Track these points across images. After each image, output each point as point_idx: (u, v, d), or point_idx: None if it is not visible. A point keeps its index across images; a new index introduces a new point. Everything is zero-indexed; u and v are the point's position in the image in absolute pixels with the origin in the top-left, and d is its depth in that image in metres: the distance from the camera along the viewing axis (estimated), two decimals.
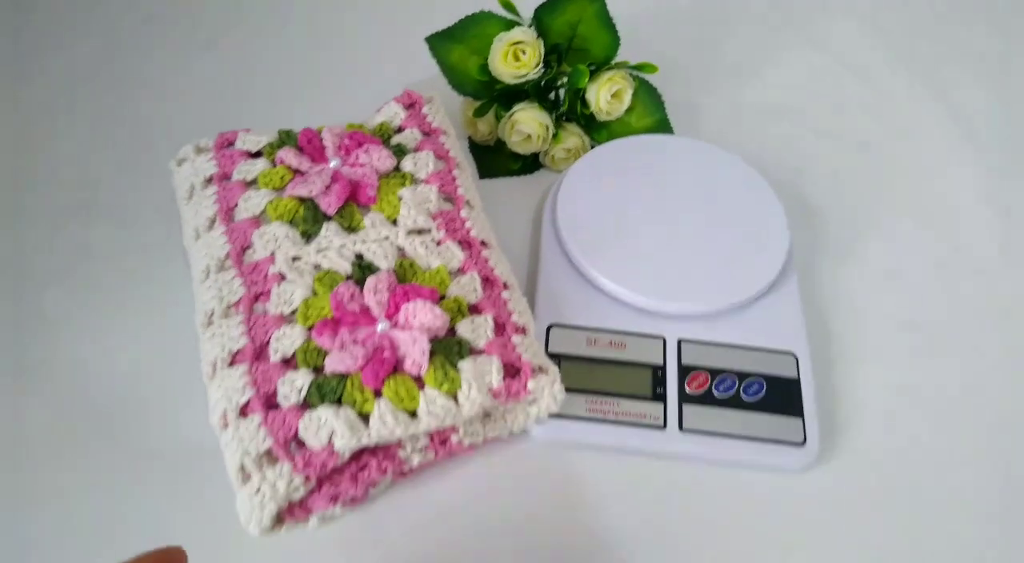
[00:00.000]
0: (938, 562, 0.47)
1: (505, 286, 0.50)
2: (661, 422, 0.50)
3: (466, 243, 0.52)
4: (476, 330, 0.47)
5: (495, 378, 0.45)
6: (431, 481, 0.49)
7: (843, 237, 0.63)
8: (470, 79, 0.60)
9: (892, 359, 0.56)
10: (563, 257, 0.56)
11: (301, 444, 0.43)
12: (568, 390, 0.49)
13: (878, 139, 0.70)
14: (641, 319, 0.53)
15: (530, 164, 0.64)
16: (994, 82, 0.76)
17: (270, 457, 0.43)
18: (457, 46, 0.61)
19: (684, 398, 0.50)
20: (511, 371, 0.46)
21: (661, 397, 0.50)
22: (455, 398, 0.44)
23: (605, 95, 0.59)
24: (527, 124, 0.60)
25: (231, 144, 0.55)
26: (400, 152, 0.55)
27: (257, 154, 0.55)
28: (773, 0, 0.82)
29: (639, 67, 0.61)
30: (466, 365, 0.45)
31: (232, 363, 0.46)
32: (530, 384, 0.45)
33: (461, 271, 0.50)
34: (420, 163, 0.54)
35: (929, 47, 0.78)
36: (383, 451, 0.45)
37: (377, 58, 0.72)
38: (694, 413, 0.50)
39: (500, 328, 0.48)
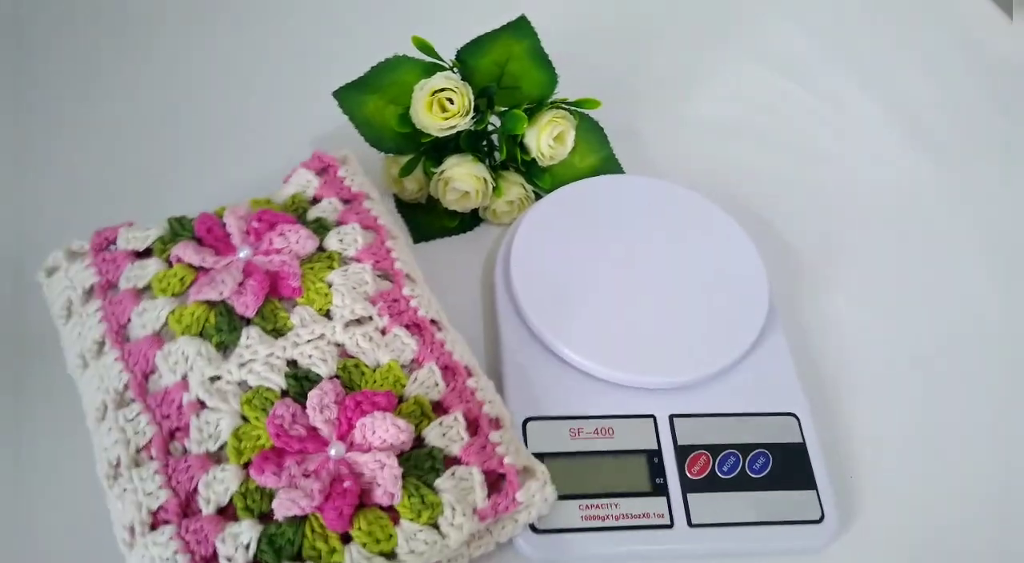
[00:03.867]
0: None
1: (468, 373, 0.43)
2: (667, 520, 0.43)
3: (415, 327, 0.44)
4: (447, 434, 0.40)
5: (479, 496, 0.38)
6: None
7: (819, 266, 0.58)
8: (390, 133, 0.53)
9: (898, 399, 0.52)
10: (526, 333, 0.49)
11: None
12: (558, 497, 0.42)
13: (833, 149, 0.67)
14: (625, 398, 0.47)
15: (469, 220, 0.57)
16: (941, 77, 0.74)
17: None
18: (371, 97, 0.53)
19: (687, 486, 0.44)
20: (494, 479, 0.39)
21: (662, 489, 0.44)
22: (437, 527, 0.37)
23: (547, 139, 0.53)
24: (463, 180, 0.52)
25: (111, 243, 0.45)
26: (321, 228, 0.46)
27: (146, 253, 0.45)
28: (705, 9, 0.78)
29: (579, 103, 0.55)
30: (445, 484, 0.38)
31: (154, 525, 0.37)
32: (520, 495, 0.39)
33: (416, 363, 0.43)
34: (347, 238, 0.46)
35: (870, 45, 0.76)
36: None
37: (277, 119, 0.62)
38: (701, 503, 0.44)
39: (473, 426, 0.41)
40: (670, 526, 0.43)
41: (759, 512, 0.44)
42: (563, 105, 0.55)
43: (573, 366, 0.47)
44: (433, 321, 0.45)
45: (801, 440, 0.47)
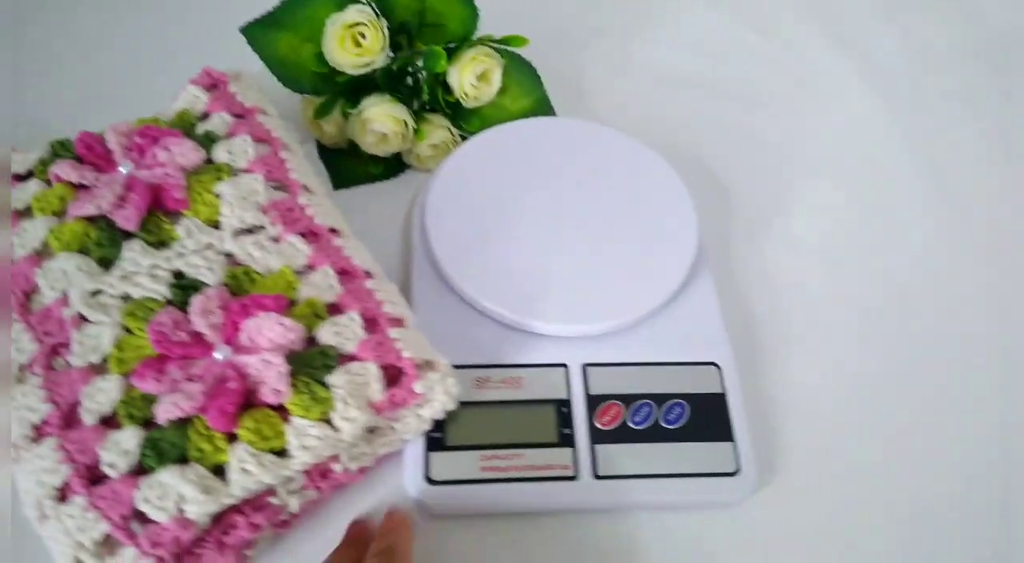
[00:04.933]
0: None
1: (368, 275, 0.42)
2: (572, 471, 0.42)
3: (311, 234, 0.43)
4: (341, 332, 0.39)
5: (375, 388, 0.37)
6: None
7: (755, 214, 0.56)
8: (305, 73, 0.51)
9: (827, 352, 0.50)
10: (437, 279, 0.46)
11: (145, 520, 0.34)
12: (458, 448, 0.42)
13: (778, 96, 0.64)
14: (536, 345, 0.45)
15: (393, 166, 0.55)
16: (903, 25, 0.70)
17: (109, 544, 0.34)
18: (284, 35, 0.50)
19: (596, 437, 0.43)
20: (393, 374, 0.38)
21: (569, 440, 0.42)
22: (330, 422, 0.36)
23: (469, 78, 0.50)
24: (381, 122, 0.50)
25: None
26: (208, 141, 0.45)
27: (27, 175, 0.44)
28: None
29: (506, 41, 0.52)
30: (337, 379, 0.37)
31: (37, 438, 0.36)
32: (417, 386, 0.38)
33: (310, 267, 0.42)
34: (236, 150, 0.45)
35: None
36: (249, 504, 0.36)
37: (183, 61, 0.55)
38: (608, 454, 0.42)
39: (371, 324, 0.40)
40: (574, 477, 0.42)
41: (671, 464, 0.42)
42: (489, 43, 0.52)
43: (484, 313, 0.45)
44: (332, 230, 0.44)
45: (721, 390, 0.45)
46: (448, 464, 0.41)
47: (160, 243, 0.41)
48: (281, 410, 0.36)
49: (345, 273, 0.42)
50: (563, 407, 0.43)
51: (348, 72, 0.49)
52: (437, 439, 0.42)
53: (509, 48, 0.53)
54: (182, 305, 0.39)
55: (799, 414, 0.47)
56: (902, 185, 0.59)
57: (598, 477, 0.42)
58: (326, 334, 0.39)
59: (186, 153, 0.43)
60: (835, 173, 0.59)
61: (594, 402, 0.44)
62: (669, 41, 0.66)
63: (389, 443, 0.40)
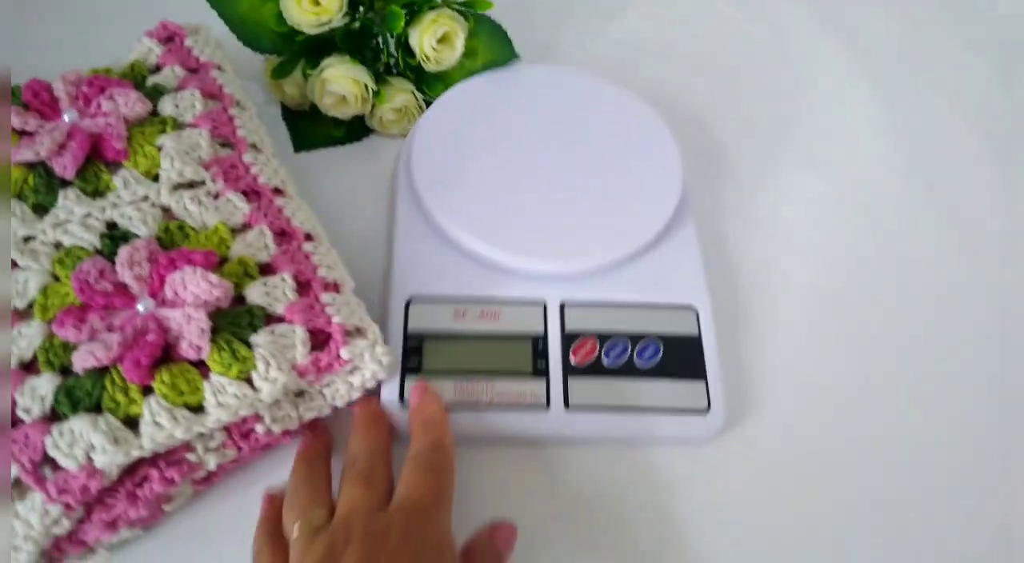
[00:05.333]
0: (856, 527, 0.43)
1: (308, 238, 0.42)
2: (543, 401, 0.42)
3: (253, 193, 0.43)
4: (271, 293, 0.39)
5: (299, 351, 0.37)
6: (240, 488, 0.40)
7: (744, 162, 0.56)
8: (266, 32, 0.50)
9: (806, 304, 0.51)
10: (422, 220, 0.47)
11: (57, 466, 0.34)
12: (434, 373, 0.42)
13: (768, 72, 0.63)
14: (516, 283, 0.45)
15: (356, 129, 0.54)
16: (891, 7, 0.69)
17: (19, 488, 0.34)
18: None
19: (569, 371, 0.43)
20: (320, 339, 0.38)
21: (542, 372, 0.43)
22: (250, 382, 0.36)
23: (430, 40, 0.50)
24: (339, 83, 0.50)
25: None
26: (156, 93, 0.45)
27: None
28: None
29: (470, 4, 0.51)
30: (261, 339, 0.37)
31: None
32: (344, 352, 0.38)
33: (247, 226, 0.41)
34: (183, 103, 0.44)
35: None
36: (165, 458, 0.36)
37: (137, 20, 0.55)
38: (581, 387, 0.43)
39: (304, 288, 0.40)
40: (546, 407, 0.42)
41: (641, 399, 0.43)
42: (454, 5, 0.51)
43: (465, 250, 0.45)
44: (277, 189, 0.43)
45: (697, 333, 0.45)
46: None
47: (97, 193, 0.41)
48: (202, 366, 0.36)
49: (283, 234, 0.42)
50: (539, 342, 0.44)
51: (306, 31, 0.49)
52: (413, 366, 0.42)
53: (473, 11, 0.52)
54: (111, 256, 0.38)
55: (771, 360, 0.48)
56: (888, 148, 0.59)
57: (569, 408, 0.42)
58: (255, 294, 0.38)
59: (131, 104, 0.43)
60: (821, 154, 0.59)
61: (569, 339, 0.44)
62: (650, 11, 0.65)
63: (317, 408, 0.40)
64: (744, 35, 0.65)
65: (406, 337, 0.43)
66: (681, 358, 0.44)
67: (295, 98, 0.53)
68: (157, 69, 0.47)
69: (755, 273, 0.51)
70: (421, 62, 0.51)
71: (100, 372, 0.35)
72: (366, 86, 0.50)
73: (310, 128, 0.54)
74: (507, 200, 0.47)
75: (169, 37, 0.48)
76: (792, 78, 0.63)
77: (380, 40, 0.52)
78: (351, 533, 0.34)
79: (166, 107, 0.44)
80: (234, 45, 0.50)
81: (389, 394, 0.41)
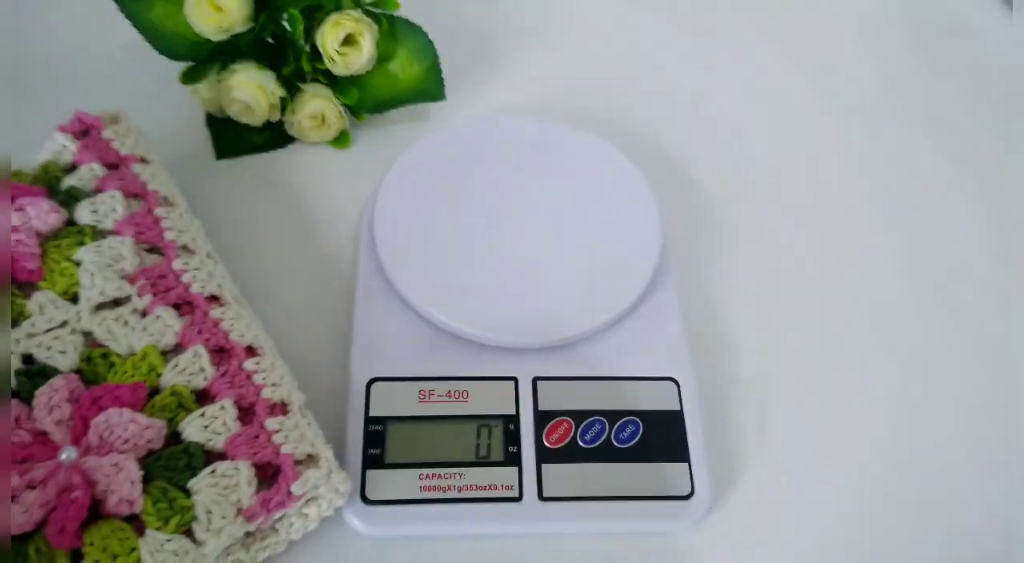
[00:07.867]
0: None
1: (250, 352, 0.38)
2: (516, 492, 0.39)
3: (186, 304, 0.39)
4: (210, 426, 0.35)
5: (245, 492, 0.33)
6: None
7: (725, 223, 0.53)
8: (182, 40, 0.47)
9: (797, 371, 0.48)
10: (383, 285, 0.44)
11: None
12: (397, 466, 0.39)
13: (736, 110, 0.60)
14: (487, 358, 0.42)
15: (277, 136, 0.52)
16: (848, 29, 0.67)
17: None
18: (158, 0, 0.47)
19: (543, 456, 0.40)
20: (269, 472, 0.35)
21: (514, 458, 0.40)
22: (190, 534, 0.32)
23: (333, 43, 0.47)
24: (243, 90, 0.48)
25: None
26: (71, 199, 0.40)
27: None
28: None
29: (377, 4, 0.49)
30: (201, 483, 0.33)
31: None
32: (295, 487, 0.34)
33: (180, 347, 0.37)
34: (103, 208, 0.40)
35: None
36: None
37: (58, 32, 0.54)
38: (555, 474, 0.40)
39: (247, 413, 0.36)
40: (518, 499, 0.39)
41: (620, 485, 0.40)
42: (362, 6, 0.49)
43: (431, 322, 0.43)
44: (213, 297, 0.40)
45: (679, 408, 0.42)
46: (385, 483, 0.39)
47: (13, 323, 0.37)
48: (136, 520, 0.32)
49: (221, 351, 0.38)
50: (510, 423, 0.41)
51: (211, 38, 0.47)
52: (375, 456, 0.39)
53: (382, 11, 0.50)
54: (28, 397, 0.34)
55: (759, 438, 0.45)
56: (859, 206, 0.56)
57: (543, 499, 0.39)
58: (192, 429, 0.35)
59: (42, 215, 0.39)
60: (793, 189, 0.56)
61: (543, 418, 0.41)
62: (596, 45, 0.63)
63: (272, 546, 0.36)
64: (706, 69, 0.63)
65: (367, 421, 0.40)
66: (662, 436, 0.42)
67: (214, 104, 0.51)
68: (73, 168, 0.42)
69: (739, 338, 0.48)
70: (328, 66, 0.49)
71: (21, 539, 0.31)
72: (272, 93, 0.49)
73: (232, 134, 0.52)
74: (472, 267, 0.44)
75: (85, 130, 0.44)
76: (766, 117, 0.60)
77: (293, 44, 0.49)
78: None
79: (83, 214, 0.40)
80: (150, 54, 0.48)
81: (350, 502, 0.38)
